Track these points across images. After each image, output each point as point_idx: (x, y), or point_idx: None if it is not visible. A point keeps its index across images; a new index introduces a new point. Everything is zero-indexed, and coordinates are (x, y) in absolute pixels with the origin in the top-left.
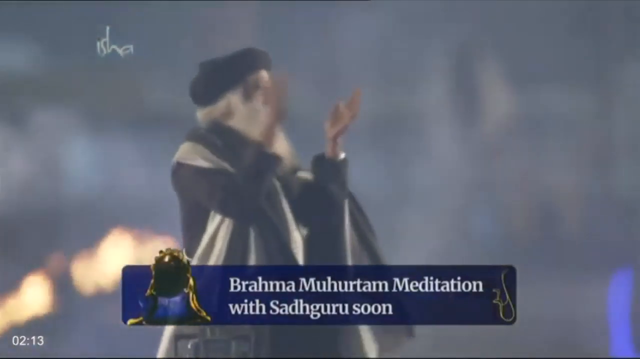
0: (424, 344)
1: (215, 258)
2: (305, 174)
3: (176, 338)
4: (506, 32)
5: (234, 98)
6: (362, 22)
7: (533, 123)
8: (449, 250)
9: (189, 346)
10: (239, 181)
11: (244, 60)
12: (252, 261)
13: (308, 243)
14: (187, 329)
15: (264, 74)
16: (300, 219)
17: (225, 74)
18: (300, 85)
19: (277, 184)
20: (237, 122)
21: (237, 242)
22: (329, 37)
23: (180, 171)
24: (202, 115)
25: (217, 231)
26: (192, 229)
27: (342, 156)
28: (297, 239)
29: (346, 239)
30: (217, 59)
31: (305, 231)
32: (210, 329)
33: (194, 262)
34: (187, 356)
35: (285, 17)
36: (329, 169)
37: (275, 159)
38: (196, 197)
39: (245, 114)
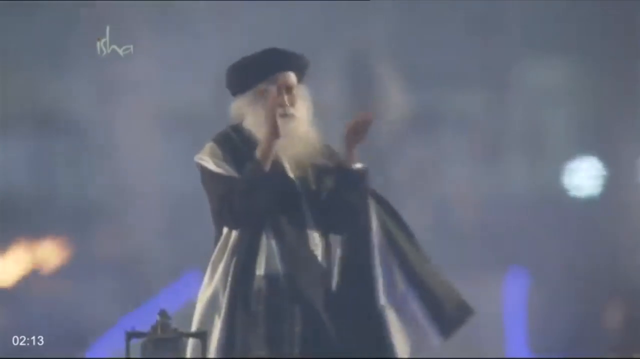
0: None
1: (224, 264)
2: (328, 177)
3: (128, 337)
4: (402, 32)
5: (243, 100)
6: (272, 25)
7: (428, 122)
8: None
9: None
10: (237, 192)
11: (263, 61)
12: (261, 268)
13: (336, 247)
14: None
15: (282, 76)
16: (323, 224)
17: (244, 73)
18: None
19: (298, 186)
20: (249, 125)
21: (246, 249)
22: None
23: (200, 170)
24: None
25: (229, 234)
26: (216, 229)
27: (359, 165)
28: (316, 244)
29: (374, 242)
30: (246, 57)
31: (323, 240)
32: (161, 328)
33: (209, 266)
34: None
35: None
36: (347, 178)
37: (281, 180)
38: (209, 198)
39: (252, 117)
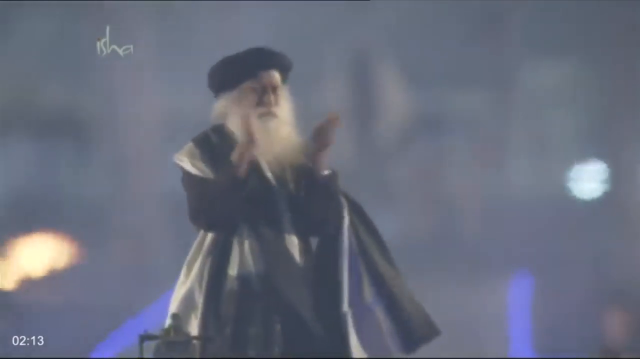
0: None
1: (199, 264)
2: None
3: (141, 339)
4: (402, 32)
5: (227, 99)
6: (267, 25)
7: (430, 123)
8: None
9: (152, 346)
10: (211, 195)
11: (248, 60)
12: (234, 269)
13: (306, 251)
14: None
15: (267, 75)
16: (300, 226)
17: (229, 71)
18: None
19: (276, 187)
20: (232, 125)
21: (221, 249)
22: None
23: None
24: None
25: (205, 234)
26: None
27: (327, 172)
28: (294, 243)
29: (343, 249)
30: (229, 56)
31: (300, 239)
32: (174, 330)
33: (185, 265)
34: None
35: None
36: (317, 183)
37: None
38: (187, 198)
39: (235, 117)
